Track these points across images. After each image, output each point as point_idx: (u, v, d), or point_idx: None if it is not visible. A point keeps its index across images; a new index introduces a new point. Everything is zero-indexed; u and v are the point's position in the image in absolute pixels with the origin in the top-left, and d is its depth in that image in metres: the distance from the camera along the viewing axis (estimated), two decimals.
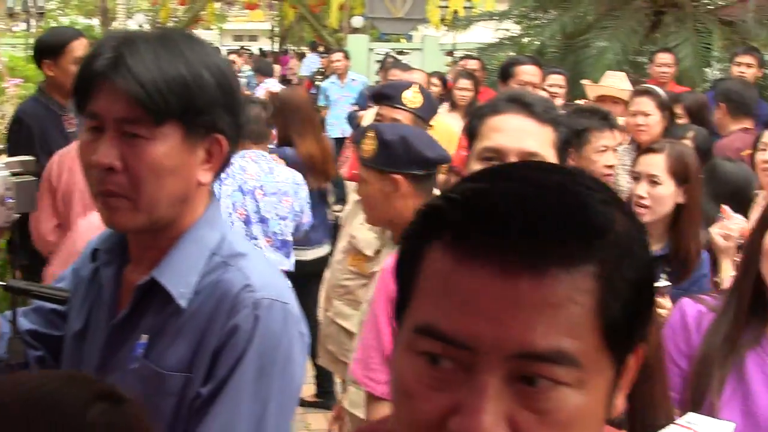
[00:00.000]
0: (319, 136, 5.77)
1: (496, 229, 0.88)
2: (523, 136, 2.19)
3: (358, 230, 3.82)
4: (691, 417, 1.61)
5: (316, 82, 14.41)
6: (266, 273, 1.70)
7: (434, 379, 0.90)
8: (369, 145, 3.24)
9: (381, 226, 3.44)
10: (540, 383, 0.88)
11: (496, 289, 0.88)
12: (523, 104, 2.23)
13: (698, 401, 2.20)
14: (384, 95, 4.36)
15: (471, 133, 2.30)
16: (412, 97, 4.20)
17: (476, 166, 2.23)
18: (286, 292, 1.70)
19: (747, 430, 2.16)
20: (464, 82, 7.69)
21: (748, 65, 7.25)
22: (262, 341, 1.61)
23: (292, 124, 5.56)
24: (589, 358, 0.90)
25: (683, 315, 2.34)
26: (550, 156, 2.19)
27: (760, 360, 2.21)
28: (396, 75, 7.81)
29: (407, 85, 4.37)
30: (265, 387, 1.62)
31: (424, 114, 4.28)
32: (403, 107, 4.20)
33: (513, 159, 2.16)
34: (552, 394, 0.89)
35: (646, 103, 5.29)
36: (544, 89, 6.16)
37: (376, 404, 2.44)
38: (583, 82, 6.59)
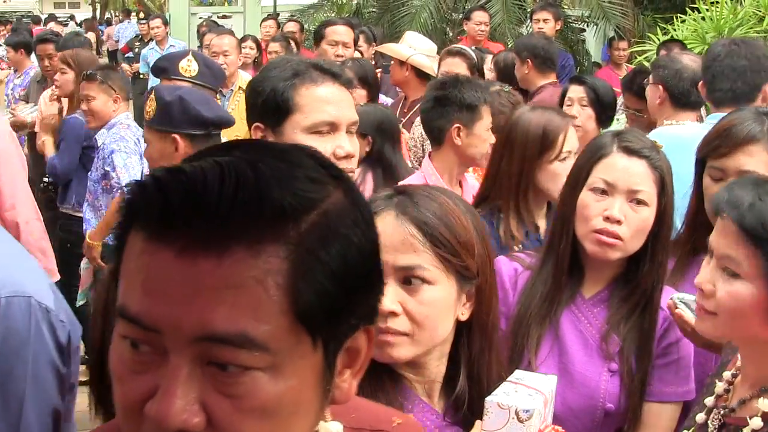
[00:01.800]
0: None
1: (176, 209, 0.85)
2: (346, 106, 2.21)
3: None
4: (518, 373, 1.71)
5: (136, 49, 13.98)
6: (3, 268, 1.61)
7: (136, 363, 0.89)
8: (150, 106, 3.24)
9: None
10: (230, 368, 0.86)
11: (175, 271, 0.85)
12: (332, 74, 2.22)
13: (516, 360, 2.25)
14: (160, 68, 4.37)
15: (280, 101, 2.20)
16: (186, 66, 4.21)
17: (310, 141, 2.14)
18: (30, 284, 1.61)
19: (563, 386, 2.20)
20: (274, 46, 7.63)
21: (545, 20, 7.55)
22: (3, 342, 1.53)
23: None
24: (281, 343, 0.87)
25: (499, 273, 2.33)
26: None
27: (574, 317, 2.28)
28: (211, 39, 7.67)
29: (183, 55, 4.40)
30: (16, 388, 1.55)
31: (206, 81, 4.27)
32: (179, 77, 4.20)
33: (343, 128, 2.18)
34: (242, 378, 0.86)
35: (458, 64, 5.43)
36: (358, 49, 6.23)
37: None
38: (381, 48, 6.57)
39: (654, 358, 2.26)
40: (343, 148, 2.17)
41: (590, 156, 2.30)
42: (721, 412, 1.86)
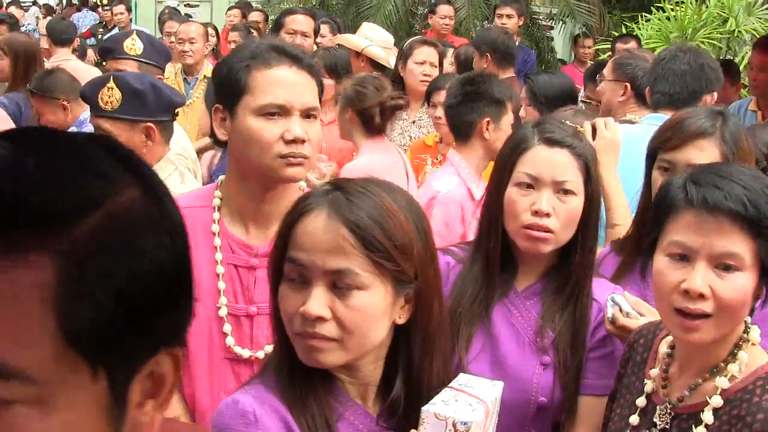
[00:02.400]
0: None
1: None
2: (302, 90, 2.16)
3: None
4: (463, 378, 1.64)
5: (99, 35, 13.82)
6: None
7: None
8: (111, 95, 3.13)
9: None
10: None
11: None
12: (292, 56, 2.18)
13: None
14: (106, 49, 4.41)
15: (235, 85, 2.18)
16: (131, 45, 4.20)
17: (259, 124, 2.15)
18: None
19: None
20: (233, 35, 7.56)
21: (509, 16, 7.54)
22: None
23: (29, 69, 5.62)
24: (48, 372, 0.74)
25: None
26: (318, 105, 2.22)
27: (506, 311, 2.25)
28: (173, 27, 7.59)
29: (127, 35, 4.41)
30: None
31: (151, 59, 4.27)
32: (124, 56, 4.19)
33: (296, 113, 2.14)
34: (3, 415, 0.73)
35: (433, 54, 5.44)
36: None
37: None
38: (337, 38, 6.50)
39: (588, 351, 2.23)
40: (291, 132, 2.13)
41: (512, 150, 2.25)
42: (668, 406, 1.84)
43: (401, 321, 1.63)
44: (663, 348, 1.94)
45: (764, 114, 5.42)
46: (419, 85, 5.33)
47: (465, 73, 4.58)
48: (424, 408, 1.49)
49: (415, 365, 1.65)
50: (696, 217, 1.72)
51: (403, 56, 5.49)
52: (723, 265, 1.72)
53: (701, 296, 1.71)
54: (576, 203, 2.19)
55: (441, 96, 4.85)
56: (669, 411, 1.84)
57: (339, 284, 1.55)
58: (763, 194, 1.72)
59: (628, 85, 4.03)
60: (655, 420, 1.85)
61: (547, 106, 4.41)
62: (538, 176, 2.18)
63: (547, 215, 2.16)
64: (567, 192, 2.18)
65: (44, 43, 7.96)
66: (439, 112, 4.83)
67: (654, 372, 1.91)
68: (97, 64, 11.47)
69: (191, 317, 0.86)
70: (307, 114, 2.17)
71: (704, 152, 2.40)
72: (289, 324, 1.58)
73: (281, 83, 2.15)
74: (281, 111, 2.14)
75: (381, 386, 1.67)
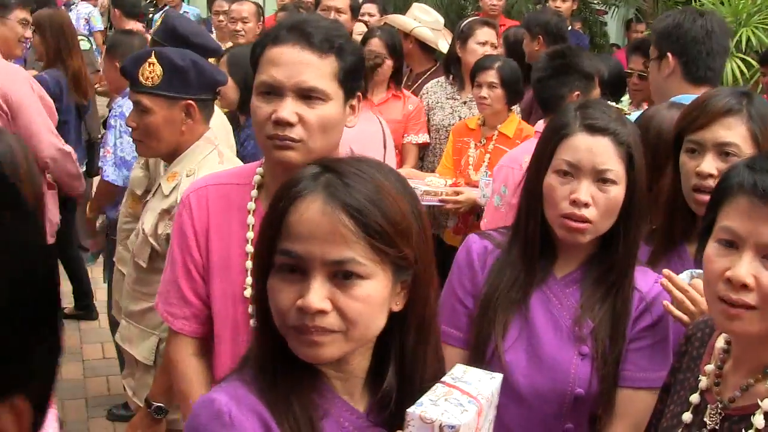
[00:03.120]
0: (81, 54, 5.96)
1: None
2: (300, 69, 2.08)
3: (134, 170, 3.72)
4: (458, 370, 1.54)
5: (150, 15, 13.85)
6: None
7: None
8: (152, 71, 3.09)
9: (160, 157, 3.30)
10: None
11: None
12: (302, 33, 2.11)
13: (483, 344, 2.17)
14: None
15: (253, 63, 2.19)
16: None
17: (256, 102, 2.14)
18: None
19: (532, 371, 2.14)
20: (281, 15, 7.49)
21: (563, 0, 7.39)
22: None
23: (60, 43, 5.69)
24: None
25: (469, 252, 2.27)
26: (332, 88, 2.10)
27: (545, 298, 2.18)
28: (222, 6, 7.55)
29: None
30: None
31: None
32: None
33: (290, 94, 2.08)
34: None
35: (492, 35, 5.39)
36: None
37: (174, 338, 2.40)
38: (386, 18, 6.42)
39: (628, 342, 2.15)
40: (276, 113, 2.07)
41: (552, 135, 2.17)
42: (719, 405, 1.74)
43: (398, 308, 1.52)
44: (720, 343, 1.84)
45: None
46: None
47: (551, 48, 4.44)
48: (410, 410, 1.38)
49: (408, 354, 1.54)
50: (749, 203, 1.62)
51: (463, 36, 5.37)
52: None
53: (745, 286, 1.61)
54: (616, 192, 2.10)
55: (487, 76, 4.79)
56: (720, 411, 1.74)
57: (339, 274, 1.43)
58: None
59: (670, 56, 3.77)
60: (705, 420, 1.76)
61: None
62: (577, 164, 2.10)
63: (586, 205, 2.08)
64: (607, 181, 2.10)
65: (115, 17, 8.36)
66: (485, 92, 4.77)
67: (709, 368, 1.81)
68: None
69: (52, 366, 0.73)
70: (306, 95, 2.08)
71: (732, 130, 2.32)
72: (281, 318, 1.46)
73: (277, 61, 2.09)
74: (273, 90, 2.09)
75: (369, 379, 1.57)
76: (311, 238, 1.42)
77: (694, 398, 1.80)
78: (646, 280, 2.19)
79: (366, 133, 4.03)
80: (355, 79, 2.15)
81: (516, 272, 2.19)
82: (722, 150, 2.33)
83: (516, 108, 5.09)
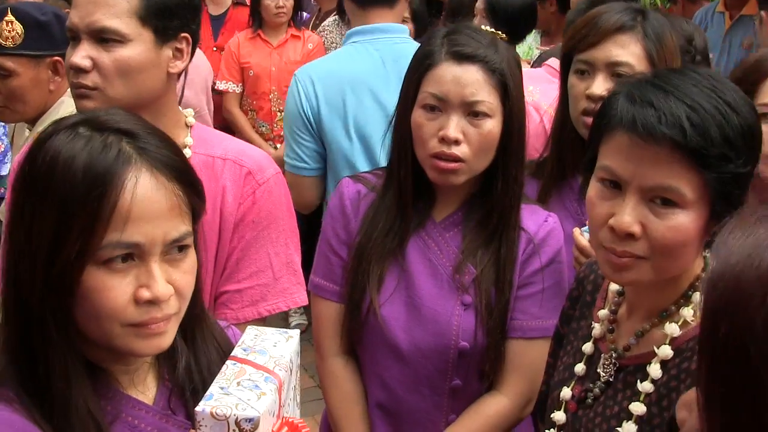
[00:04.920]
0: None
1: None
2: (90, 9, 1.82)
3: None
4: (248, 336, 1.31)
5: None
6: None
7: None
8: (11, 30, 2.79)
9: (26, 121, 3.00)
10: None
11: None
12: None
13: (358, 298, 1.99)
14: None
15: None
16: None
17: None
18: None
19: (411, 325, 1.96)
20: None
21: None
22: None
23: None
24: None
25: (341, 197, 2.07)
26: (130, 28, 1.82)
27: (423, 244, 1.98)
28: None
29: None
30: None
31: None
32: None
33: (84, 36, 1.83)
34: None
35: None
36: None
37: None
38: None
39: (516, 289, 1.95)
40: (69, 60, 1.85)
41: (418, 66, 1.93)
42: (613, 355, 1.53)
43: None
44: (614, 286, 1.63)
45: (732, 14, 5.05)
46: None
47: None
48: (199, 408, 1.15)
49: (187, 326, 1.35)
50: (629, 141, 1.38)
51: None
52: (660, 199, 1.38)
53: (630, 236, 1.39)
54: (490, 126, 1.88)
55: None
56: (614, 361, 1.54)
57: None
58: (715, 115, 1.36)
59: None
60: (599, 371, 1.55)
61: (506, 23, 4.03)
62: (444, 97, 1.87)
63: (456, 142, 1.86)
64: (479, 114, 1.87)
65: None
66: None
67: (603, 313, 1.60)
68: None
69: None
70: (100, 37, 1.82)
71: (625, 49, 2.10)
72: (116, 315, 1.21)
73: (75, 2, 1.85)
74: (72, 35, 1.86)
75: (157, 364, 1.37)
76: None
77: (587, 347, 1.60)
78: (534, 219, 1.98)
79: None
80: (169, 18, 1.85)
81: (391, 217, 1.98)
82: (614, 70, 2.10)
83: None
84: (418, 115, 1.90)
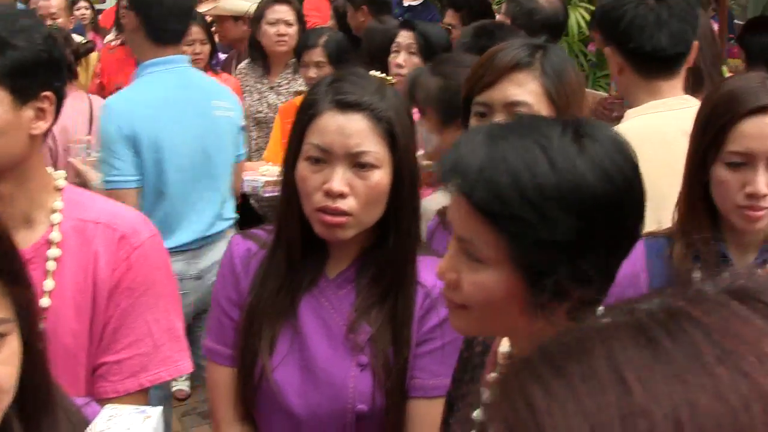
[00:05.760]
0: None
1: None
2: None
3: None
4: (101, 421, 1.19)
5: None
6: None
7: None
8: None
9: None
10: None
11: None
12: None
13: (250, 362, 1.87)
14: None
15: None
16: None
17: None
18: None
19: (306, 389, 1.84)
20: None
21: None
22: None
23: None
24: None
25: (231, 256, 1.96)
26: None
27: (315, 303, 1.88)
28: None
29: None
30: None
31: None
32: None
33: None
34: None
35: (286, 12, 4.99)
36: None
37: None
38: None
39: (415, 346, 1.86)
40: None
41: (301, 116, 1.84)
42: None
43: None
44: (504, 347, 1.52)
45: None
46: (275, 45, 4.92)
47: (472, 23, 3.95)
48: None
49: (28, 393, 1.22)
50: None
51: (255, 18, 5.06)
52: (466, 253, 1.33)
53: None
54: (378, 178, 1.79)
55: (313, 55, 4.50)
56: None
57: None
58: (519, 171, 1.22)
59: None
60: None
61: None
62: (328, 148, 1.77)
63: (342, 195, 1.77)
64: (365, 165, 1.78)
65: None
66: (312, 72, 4.47)
67: (493, 377, 1.50)
68: None
69: None
70: None
71: (522, 87, 2.00)
72: None
73: None
74: None
75: None
76: None
77: (478, 415, 1.51)
78: (432, 272, 1.89)
79: (73, 108, 3.91)
80: (27, 77, 1.71)
81: (281, 276, 1.88)
82: (512, 110, 2.01)
83: None
84: (302, 168, 1.81)
